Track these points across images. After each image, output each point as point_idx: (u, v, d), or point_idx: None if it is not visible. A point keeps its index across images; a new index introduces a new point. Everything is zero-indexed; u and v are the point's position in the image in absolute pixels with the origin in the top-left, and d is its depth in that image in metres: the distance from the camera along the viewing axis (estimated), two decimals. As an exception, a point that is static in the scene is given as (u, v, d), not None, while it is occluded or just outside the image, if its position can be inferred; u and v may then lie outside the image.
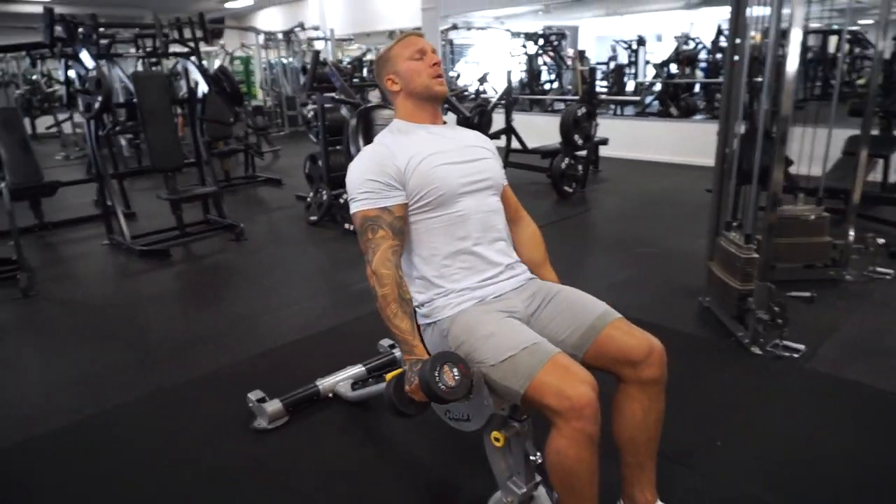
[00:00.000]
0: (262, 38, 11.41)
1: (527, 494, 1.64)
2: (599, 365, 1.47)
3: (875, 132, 3.93)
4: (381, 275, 1.42)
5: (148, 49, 5.79)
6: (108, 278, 3.96)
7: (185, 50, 4.77)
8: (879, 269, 3.31)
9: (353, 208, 1.50)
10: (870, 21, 8.97)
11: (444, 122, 1.67)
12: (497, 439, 1.58)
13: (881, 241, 3.27)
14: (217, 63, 11.44)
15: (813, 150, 3.23)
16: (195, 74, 4.59)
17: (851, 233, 3.28)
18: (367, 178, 1.47)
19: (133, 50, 6.59)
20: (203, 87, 4.56)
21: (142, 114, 4.31)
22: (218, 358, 2.67)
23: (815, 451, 1.91)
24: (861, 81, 9.47)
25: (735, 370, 2.41)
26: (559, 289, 1.59)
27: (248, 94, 11.76)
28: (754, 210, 2.76)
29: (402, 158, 1.49)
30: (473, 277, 1.52)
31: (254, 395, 2.17)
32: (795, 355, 2.47)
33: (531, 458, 1.58)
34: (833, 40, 8.45)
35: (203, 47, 4.84)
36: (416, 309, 1.57)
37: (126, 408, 2.31)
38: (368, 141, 1.69)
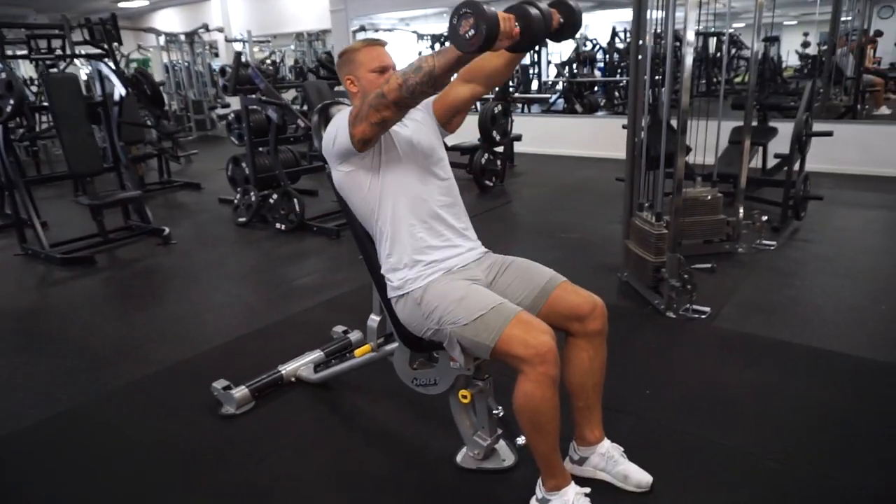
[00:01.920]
0: (162, 39, 10.99)
1: (490, 446, 1.86)
2: (551, 322, 1.68)
3: (754, 124, 4.46)
4: (391, 74, 1.47)
5: (43, 50, 5.51)
6: (30, 287, 3.81)
7: (97, 52, 4.63)
8: (765, 242, 3.79)
9: (345, 121, 1.57)
10: (742, 24, 9.95)
11: None
12: (464, 396, 1.78)
13: (765, 217, 3.76)
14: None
15: (704, 140, 3.66)
16: (111, 77, 4.47)
17: (741, 211, 3.73)
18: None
19: (26, 51, 6.22)
20: (120, 90, 4.45)
21: (55, 117, 4.16)
22: (170, 354, 2.70)
23: (724, 390, 2.24)
24: (738, 79, 10.47)
25: (655, 332, 2.73)
26: (511, 259, 1.82)
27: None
28: (662, 192, 3.12)
29: None
30: (435, 240, 1.69)
31: (218, 384, 2.24)
32: (703, 316, 2.83)
33: (493, 412, 1.80)
34: (712, 42, 9.30)
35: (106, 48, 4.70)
36: (388, 282, 1.74)
37: (81, 408, 2.31)
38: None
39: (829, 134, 4.17)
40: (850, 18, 7.41)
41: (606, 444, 1.76)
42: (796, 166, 4.17)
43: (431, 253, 1.69)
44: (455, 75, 1.66)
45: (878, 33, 7.80)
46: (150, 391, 2.42)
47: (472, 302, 1.57)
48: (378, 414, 2.21)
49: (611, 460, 1.74)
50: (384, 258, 1.73)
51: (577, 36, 10.72)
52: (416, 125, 1.77)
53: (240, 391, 2.22)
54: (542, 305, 1.69)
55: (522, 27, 1.29)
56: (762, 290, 3.15)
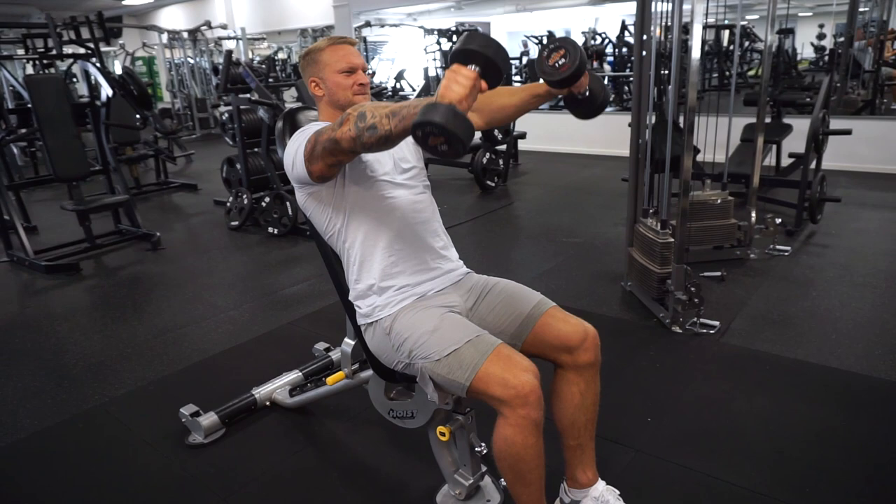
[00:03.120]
0: (165, 37, 10.88)
1: (473, 485, 1.68)
2: (537, 352, 1.52)
3: (767, 120, 4.24)
4: (349, 114, 1.25)
5: (40, 50, 5.40)
6: (11, 298, 3.68)
7: (83, 51, 4.49)
8: (779, 247, 3.59)
9: (301, 148, 1.39)
10: (756, 16, 9.67)
11: None
12: (443, 433, 1.61)
13: (779, 220, 3.55)
14: (117, 64, 10.84)
15: (715, 138, 3.46)
16: (98, 77, 4.33)
17: (753, 214, 3.53)
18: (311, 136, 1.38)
19: (21, 51, 6.12)
20: (107, 90, 4.31)
21: (38, 120, 4.02)
22: (143, 374, 2.55)
23: (733, 418, 2.05)
24: (751, 73, 10.19)
25: (658, 349, 2.54)
26: (495, 282, 1.63)
27: (153, 96, 11.19)
28: (668, 197, 2.92)
29: None
30: (409, 261, 1.52)
31: (187, 410, 2.09)
32: (711, 331, 2.64)
33: (476, 449, 1.62)
34: (724, 34, 9.04)
35: (102, 47, 4.58)
36: (357, 308, 1.57)
37: (43, 434, 2.17)
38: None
39: (848, 132, 3.96)
40: (867, 9, 7.14)
41: (601, 487, 1.59)
42: (812, 165, 3.95)
43: (403, 277, 1.51)
44: None
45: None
46: (117, 415, 2.27)
47: (446, 334, 1.39)
48: (356, 445, 2.05)
49: (605, 506, 1.56)
50: (352, 283, 1.56)
51: (586, 29, 10.52)
52: None
53: (208, 418, 2.07)
54: (528, 334, 1.52)
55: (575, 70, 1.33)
56: (775, 301, 2.95)
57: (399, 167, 1.56)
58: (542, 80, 1.40)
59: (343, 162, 1.39)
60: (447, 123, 1.08)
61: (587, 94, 1.47)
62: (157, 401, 2.35)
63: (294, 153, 1.42)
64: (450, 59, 1.18)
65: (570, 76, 1.33)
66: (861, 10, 6.84)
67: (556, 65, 1.32)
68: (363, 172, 1.49)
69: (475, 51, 1.15)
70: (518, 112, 1.64)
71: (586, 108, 1.52)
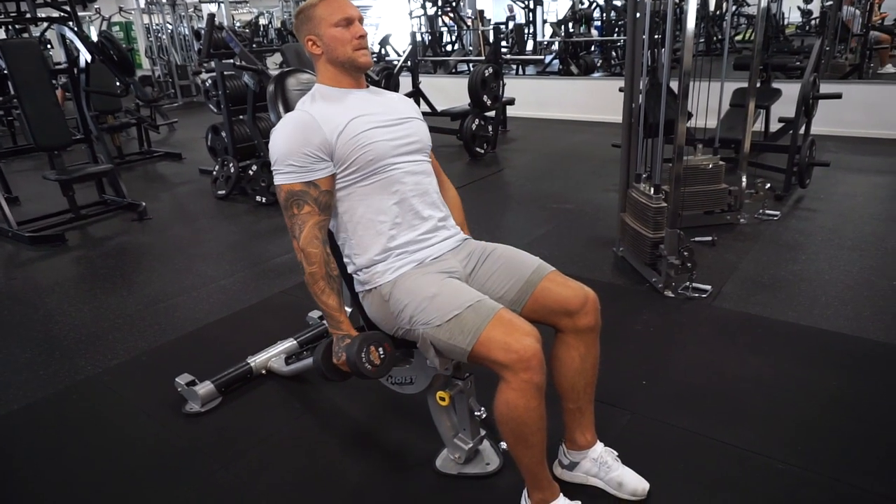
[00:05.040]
0: (143, 1, 10.56)
1: (473, 449, 1.70)
2: (538, 317, 1.52)
3: (757, 85, 4.22)
4: (309, 253, 1.42)
5: (13, 14, 5.21)
6: (-5, 270, 3.62)
7: (59, 14, 4.34)
8: (768, 212, 3.61)
9: (278, 181, 1.44)
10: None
11: (368, 86, 1.63)
12: (442, 398, 1.62)
13: (768, 185, 3.56)
14: (93, 30, 10.51)
15: (706, 103, 3.44)
16: (75, 41, 4.19)
17: (744, 179, 3.53)
18: (292, 149, 1.42)
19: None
20: (86, 56, 4.18)
21: (16, 87, 3.90)
22: (136, 344, 2.54)
23: (726, 380, 2.08)
24: (738, 37, 10.13)
25: (652, 313, 2.56)
26: (494, 247, 1.62)
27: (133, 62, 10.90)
28: (661, 162, 2.91)
29: (327, 127, 1.44)
30: (409, 233, 1.51)
31: (182, 379, 2.08)
32: (703, 295, 2.66)
33: (476, 413, 1.64)
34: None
35: (79, 12, 4.42)
36: (354, 276, 1.56)
37: (37, 406, 2.15)
38: (289, 108, 1.62)
39: (838, 96, 3.95)
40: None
41: (599, 449, 1.61)
42: (801, 130, 3.96)
43: (402, 247, 1.50)
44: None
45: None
46: (111, 386, 2.25)
47: (446, 299, 1.39)
48: (354, 411, 2.05)
49: (604, 466, 1.59)
50: (351, 256, 1.54)
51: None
52: (389, 108, 1.58)
53: (205, 387, 2.06)
54: (528, 299, 1.51)
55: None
56: (766, 265, 2.98)
57: (402, 140, 1.53)
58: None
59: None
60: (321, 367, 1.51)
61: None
62: (151, 371, 2.34)
63: (274, 159, 1.44)
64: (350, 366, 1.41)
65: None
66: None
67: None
68: (361, 144, 1.46)
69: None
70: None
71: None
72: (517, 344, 1.30)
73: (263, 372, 2.22)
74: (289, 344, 2.30)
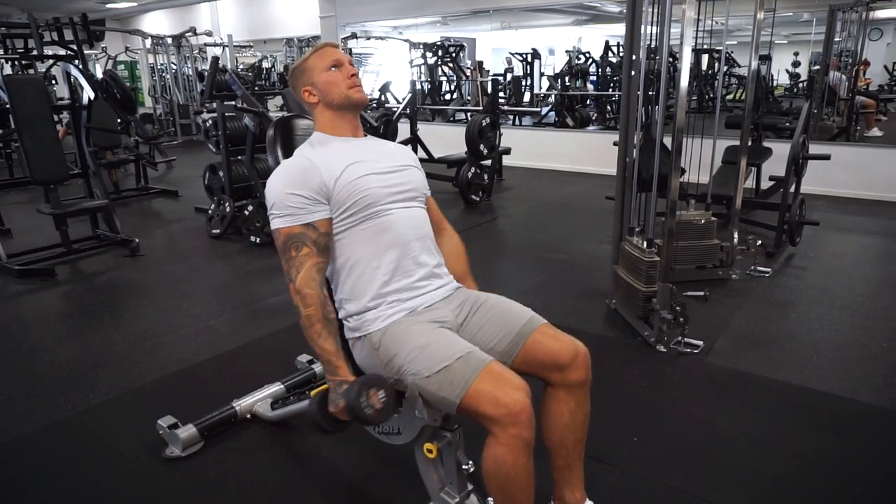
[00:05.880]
0: (149, 42, 10.78)
1: (459, 503, 1.65)
2: (528, 370, 1.50)
3: (748, 143, 4.31)
4: (306, 295, 1.40)
5: (20, 50, 5.31)
6: (-19, 302, 3.57)
7: (65, 52, 4.42)
8: (760, 269, 3.63)
9: (275, 224, 1.45)
10: (734, 42, 9.90)
11: (365, 135, 1.66)
12: (430, 450, 1.58)
13: (759, 242, 3.59)
14: (98, 68, 10.71)
15: (699, 159, 3.50)
16: (80, 79, 4.26)
17: (736, 235, 3.57)
18: (290, 192, 1.43)
19: (0, 51, 6.00)
20: (89, 93, 4.23)
21: (17, 121, 3.94)
22: (119, 383, 2.49)
23: (718, 438, 2.05)
24: (729, 97, 10.40)
25: (644, 368, 2.55)
26: (486, 297, 1.62)
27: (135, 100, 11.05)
28: (654, 216, 2.94)
29: (325, 171, 1.46)
30: (403, 279, 1.50)
31: (164, 422, 2.03)
32: (695, 351, 2.65)
33: (463, 466, 1.60)
34: (704, 59, 9.23)
35: (85, 50, 4.51)
36: (345, 322, 1.55)
37: (12, 445, 2.09)
38: (288, 153, 1.64)
39: (827, 157, 4.03)
40: (840, 39, 7.33)
41: (588, 508, 1.57)
42: (791, 189, 4.02)
43: (395, 294, 1.49)
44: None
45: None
46: (90, 427, 2.20)
47: (436, 350, 1.37)
48: (339, 460, 2.00)
49: (593, 526, 1.55)
50: (342, 301, 1.53)
51: (571, 48, 10.65)
52: (386, 155, 1.60)
53: (187, 430, 2.01)
54: (518, 351, 1.50)
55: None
56: (757, 321, 2.98)
57: (397, 186, 1.55)
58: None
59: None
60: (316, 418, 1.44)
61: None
62: (133, 411, 2.28)
63: (271, 203, 1.46)
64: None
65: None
66: (836, 39, 7.03)
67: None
68: (357, 189, 1.47)
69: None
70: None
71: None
72: (506, 398, 1.28)
73: (248, 416, 2.17)
74: (276, 388, 2.26)
